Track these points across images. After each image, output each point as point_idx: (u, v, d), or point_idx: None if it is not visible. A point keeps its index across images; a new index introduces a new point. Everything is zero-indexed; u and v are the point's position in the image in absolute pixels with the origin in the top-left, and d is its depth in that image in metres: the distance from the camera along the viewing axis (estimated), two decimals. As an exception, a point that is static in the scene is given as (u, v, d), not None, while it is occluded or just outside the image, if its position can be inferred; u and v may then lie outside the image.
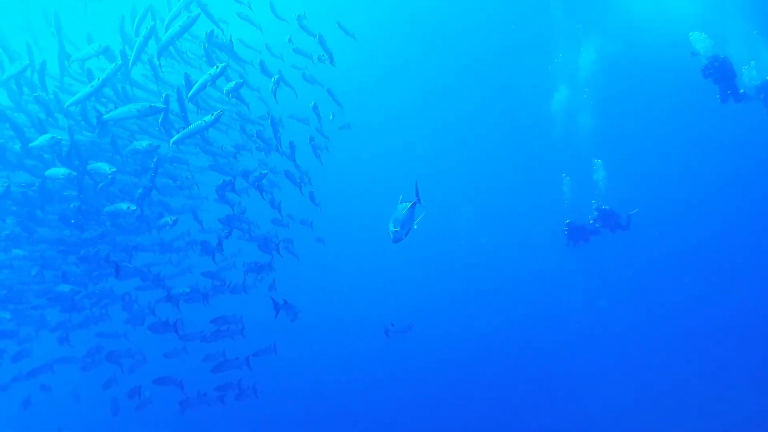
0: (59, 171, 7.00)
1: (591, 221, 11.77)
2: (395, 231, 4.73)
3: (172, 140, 6.99)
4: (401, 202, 4.89)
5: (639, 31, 20.02)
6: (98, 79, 6.51)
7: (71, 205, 8.02)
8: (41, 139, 6.82)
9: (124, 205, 7.23)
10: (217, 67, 6.91)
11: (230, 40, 8.78)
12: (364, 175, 28.35)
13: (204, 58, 8.87)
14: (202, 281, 11.56)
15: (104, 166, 7.08)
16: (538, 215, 23.78)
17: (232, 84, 7.97)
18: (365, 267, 26.29)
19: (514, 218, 26.95)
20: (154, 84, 9.56)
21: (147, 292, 12.00)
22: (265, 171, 9.02)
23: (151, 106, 6.20)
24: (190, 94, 7.44)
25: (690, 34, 11.29)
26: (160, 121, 8.17)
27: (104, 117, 6.53)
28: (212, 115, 6.92)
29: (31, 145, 6.96)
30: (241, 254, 13.31)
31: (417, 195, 4.92)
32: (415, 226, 4.89)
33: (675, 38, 15.47)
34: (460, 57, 23.80)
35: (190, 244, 11.33)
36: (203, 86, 7.26)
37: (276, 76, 9.02)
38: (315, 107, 10.63)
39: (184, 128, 7.14)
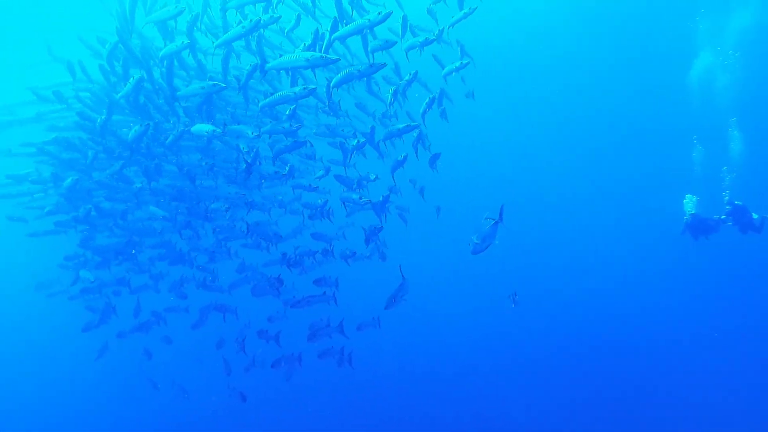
0: (203, 127, 6.41)
1: (722, 216, 10.76)
2: (476, 243, 5.23)
3: (332, 83, 6.26)
4: (486, 218, 5.24)
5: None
6: (251, 20, 5.74)
7: (203, 163, 7.49)
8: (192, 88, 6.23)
9: (273, 169, 6.59)
10: (380, 14, 5.93)
11: None
12: (480, 147, 26.76)
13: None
14: (313, 244, 11.08)
15: (247, 129, 6.47)
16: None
17: (378, 42, 7.07)
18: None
19: (634, 195, 24.84)
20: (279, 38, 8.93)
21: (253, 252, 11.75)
22: (416, 123, 7.95)
23: (322, 56, 5.36)
24: (334, 36, 6.59)
25: None
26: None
27: (267, 66, 5.78)
28: (371, 64, 6.11)
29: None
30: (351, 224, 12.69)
31: (501, 216, 5.14)
32: (497, 242, 5.25)
33: None
34: (594, 19, 21.52)
35: (306, 207, 10.73)
36: (353, 32, 6.36)
37: (429, 36, 7.95)
38: (450, 71, 9.37)
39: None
